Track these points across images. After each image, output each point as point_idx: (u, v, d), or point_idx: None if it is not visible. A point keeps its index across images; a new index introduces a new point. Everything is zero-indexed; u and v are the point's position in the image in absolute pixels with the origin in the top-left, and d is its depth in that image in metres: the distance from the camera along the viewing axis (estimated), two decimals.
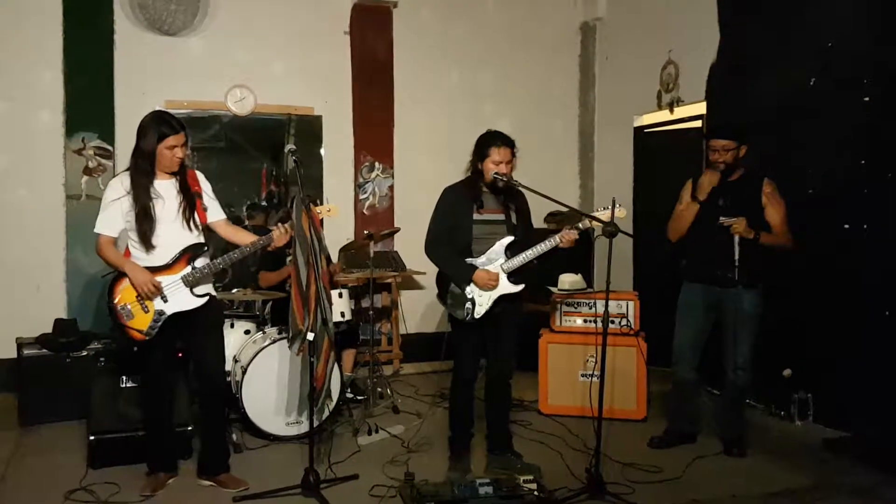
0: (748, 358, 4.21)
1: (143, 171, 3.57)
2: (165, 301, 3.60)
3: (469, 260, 3.86)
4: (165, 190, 3.63)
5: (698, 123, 5.91)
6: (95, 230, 3.62)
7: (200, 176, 3.83)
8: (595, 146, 7.26)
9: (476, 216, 3.87)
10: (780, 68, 5.05)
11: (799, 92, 4.90)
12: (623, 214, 3.73)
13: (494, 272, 3.83)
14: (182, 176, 3.69)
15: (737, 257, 4.06)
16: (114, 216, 3.59)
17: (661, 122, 6.38)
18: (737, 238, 4.06)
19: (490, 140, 3.87)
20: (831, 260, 4.65)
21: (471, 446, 4.11)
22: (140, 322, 3.59)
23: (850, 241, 4.56)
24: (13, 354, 4.98)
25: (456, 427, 4.09)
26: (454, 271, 3.86)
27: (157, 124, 3.56)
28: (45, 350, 4.90)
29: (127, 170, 3.63)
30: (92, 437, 4.03)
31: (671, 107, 6.16)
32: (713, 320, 4.31)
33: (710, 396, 5.07)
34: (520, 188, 3.83)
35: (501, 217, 3.91)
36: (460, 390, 4.02)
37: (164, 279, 3.60)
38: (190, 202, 3.68)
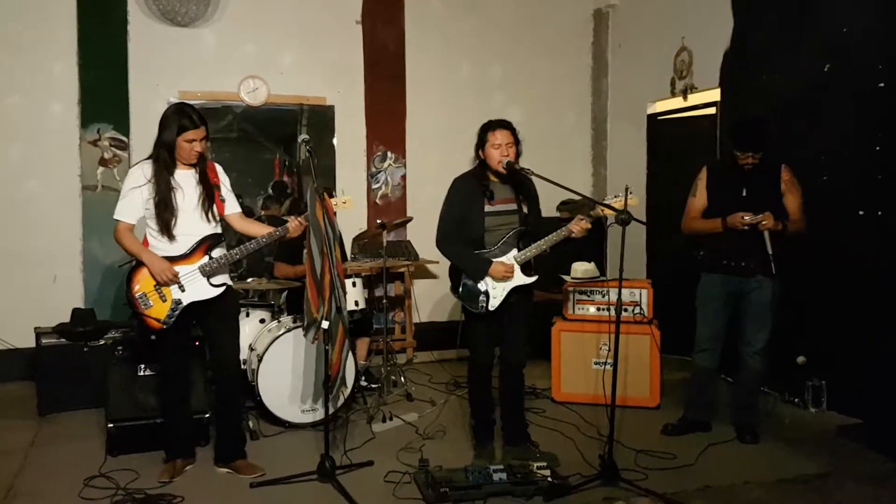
0: (766, 344, 4.22)
1: (164, 162, 3.61)
2: (183, 290, 3.65)
3: (481, 251, 3.87)
4: (185, 180, 3.67)
5: (712, 110, 5.87)
6: (115, 216, 3.66)
7: (219, 169, 3.87)
8: (608, 134, 7.23)
9: (487, 207, 3.87)
10: (795, 54, 5.01)
11: (813, 78, 4.87)
12: (635, 202, 3.72)
13: (510, 264, 3.83)
14: (202, 167, 3.73)
15: (770, 251, 4.01)
16: (134, 203, 3.63)
17: (675, 109, 6.35)
18: (766, 233, 4.02)
19: (486, 126, 3.90)
20: (845, 247, 4.62)
21: (494, 433, 4.14)
22: (158, 311, 3.63)
23: (864, 228, 4.54)
24: (32, 344, 5.04)
25: (477, 415, 4.13)
26: (469, 266, 3.86)
27: (179, 117, 3.59)
28: (62, 339, 4.95)
29: (148, 158, 3.67)
30: (110, 425, 4.09)
31: (685, 94, 6.12)
32: (734, 309, 4.30)
33: (725, 383, 5.07)
34: (532, 176, 3.83)
35: (513, 207, 3.91)
36: (478, 378, 4.05)
37: (181, 269, 3.63)
38: (209, 193, 3.72)
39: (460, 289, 3.92)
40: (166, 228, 3.60)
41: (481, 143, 3.89)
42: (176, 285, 3.63)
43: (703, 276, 4.37)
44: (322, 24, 6.40)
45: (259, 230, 3.83)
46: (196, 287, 3.67)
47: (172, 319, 3.64)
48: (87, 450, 4.16)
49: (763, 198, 4.09)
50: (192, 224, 3.66)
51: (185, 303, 3.65)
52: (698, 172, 4.42)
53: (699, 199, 4.34)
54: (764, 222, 4.00)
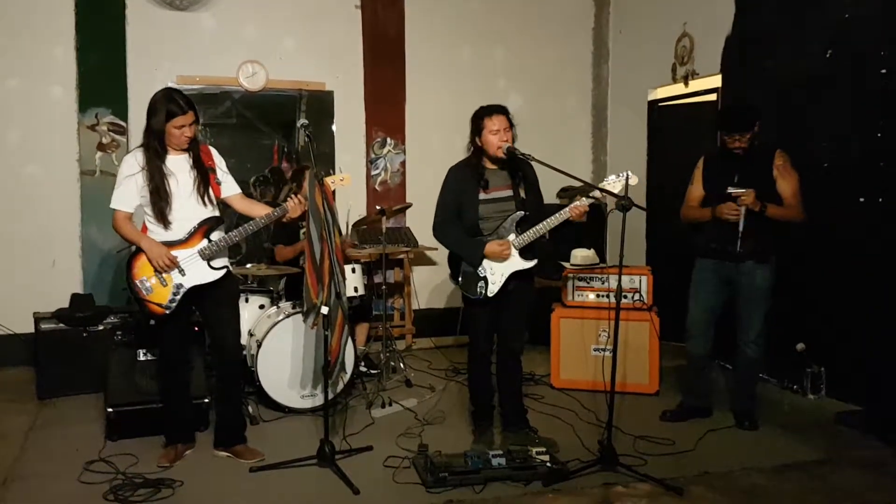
0: (760, 331, 4.21)
1: (153, 150, 3.59)
2: (183, 275, 3.64)
3: (478, 238, 3.86)
4: (178, 166, 3.65)
5: (713, 97, 5.85)
6: (111, 206, 3.65)
7: (213, 151, 3.85)
8: (608, 120, 7.20)
9: (482, 195, 3.86)
10: (796, 40, 4.99)
11: (815, 64, 4.85)
12: (635, 181, 3.69)
13: (506, 241, 3.82)
14: (195, 151, 3.71)
15: (741, 230, 4.03)
16: (129, 192, 3.62)
17: (676, 95, 6.32)
18: (743, 209, 4.02)
19: (481, 112, 3.87)
20: (846, 233, 4.62)
21: (494, 418, 4.14)
22: (159, 296, 3.62)
23: (865, 215, 4.54)
24: (31, 329, 5.05)
25: (476, 400, 4.14)
26: (465, 251, 3.86)
27: (166, 103, 3.56)
28: (61, 324, 4.96)
29: (141, 146, 3.66)
30: (110, 410, 4.08)
31: (686, 80, 6.10)
32: (727, 295, 4.30)
33: (723, 370, 5.08)
34: (533, 161, 3.80)
35: (509, 193, 3.89)
36: (477, 364, 4.06)
37: (180, 253, 3.63)
38: (204, 177, 3.70)
39: (459, 276, 3.91)
40: (162, 215, 3.60)
41: (477, 130, 3.85)
42: (176, 270, 3.62)
43: (698, 260, 4.37)
44: (321, 9, 6.36)
45: (261, 210, 3.81)
46: (197, 270, 3.67)
47: (175, 304, 3.63)
48: (87, 434, 4.16)
49: (754, 183, 4.07)
50: (188, 209, 3.65)
51: (186, 287, 3.65)
52: (697, 161, 4.40)
53: (696, 187, 4.33)
54: (744, 197, 3.99)
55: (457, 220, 3.89)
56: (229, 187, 3.84)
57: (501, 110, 3.85)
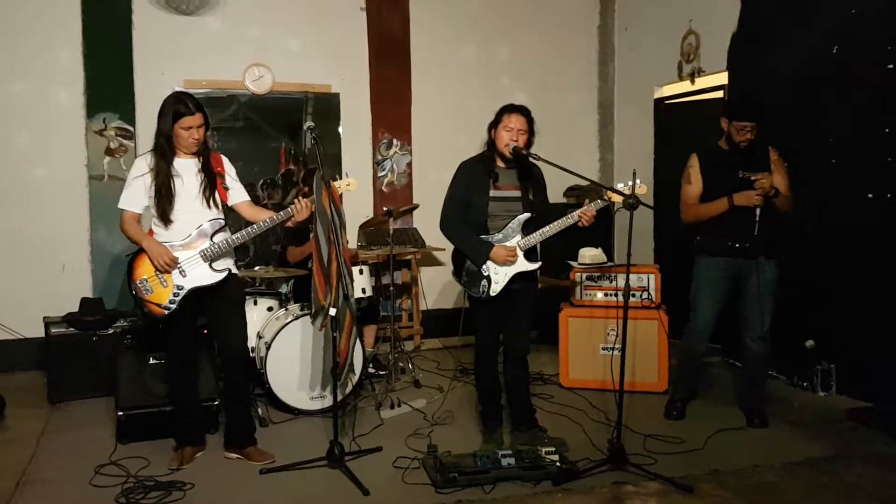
0: (769, 328, 4.20)
1: (161, 151, 3.64)
2: (184, 276, 3.65)
3: (484, 237, 3.86)
4: (186, 168, 3.68)
5: (720, 94, 5.84)
6: (119, 206, 3.69)
7: (225, 159, 3.88)
8: (615, 119, 7.19)
9: (492, 192, 3.86)
10: (803, 36, 4.97)
11: (822, 60, 4.83)
12: (644, 191, 3.69)
13: (512, 247, 3.82)
14: (205, 156, 3.74)
15: (758, 215, 4.03)
16: (137, 192, 3.65)
17: (682, 93, 6.31)
18: (758, 211, 4.02)
19: (504, 108, 3.90)
20: (854, 229, 4.60)
21: (502, 418, 4.14)
22: (159, 297, 3.64)
23: (873, 211, 4.52)
24: (41, 333, 5.08)
25: (484, 400, 4.14)
26: (471, 249, 3.86)
27: (174, 104, 3.61)
28: (72, 329, 4.98)
29: (152, 149, 3.69)
30: (120, 413, 4.10)
31: (692, 77, 6.09)
32: (733, 293, 4.28)
33: (731, 367, 5.07)
34: (539, 161, 3.81)
35: (517, 193, 3.90)
36: (483, 364, 4.05)
37: (182, 254, 3.65)
38: (211, 181, 3.72)
39: (462, 273, 3.92)
40: (165, 215, 3.63)
41: (496, 122, 3.89)
42: (177, 271, 3.64)
43: (703, 260, 4.33)
44: (326, 11, 6.37)
45: (268, 217, 3.83)
46: (198, 272, 3.68)
47: (175, 305, 3.65)
48: (98, 438, 4.18)
49: None
50: (193, 211, 3.68)
51: (186, 288, 3.66)
52: (689, 161, 4.37)
53: (695, 185, 4.29)
54: (763, 180, 4.01)
55: (464, 216, 3.89)
56: (237, 194, 3.86)
57: (523, 111, 3.86)
